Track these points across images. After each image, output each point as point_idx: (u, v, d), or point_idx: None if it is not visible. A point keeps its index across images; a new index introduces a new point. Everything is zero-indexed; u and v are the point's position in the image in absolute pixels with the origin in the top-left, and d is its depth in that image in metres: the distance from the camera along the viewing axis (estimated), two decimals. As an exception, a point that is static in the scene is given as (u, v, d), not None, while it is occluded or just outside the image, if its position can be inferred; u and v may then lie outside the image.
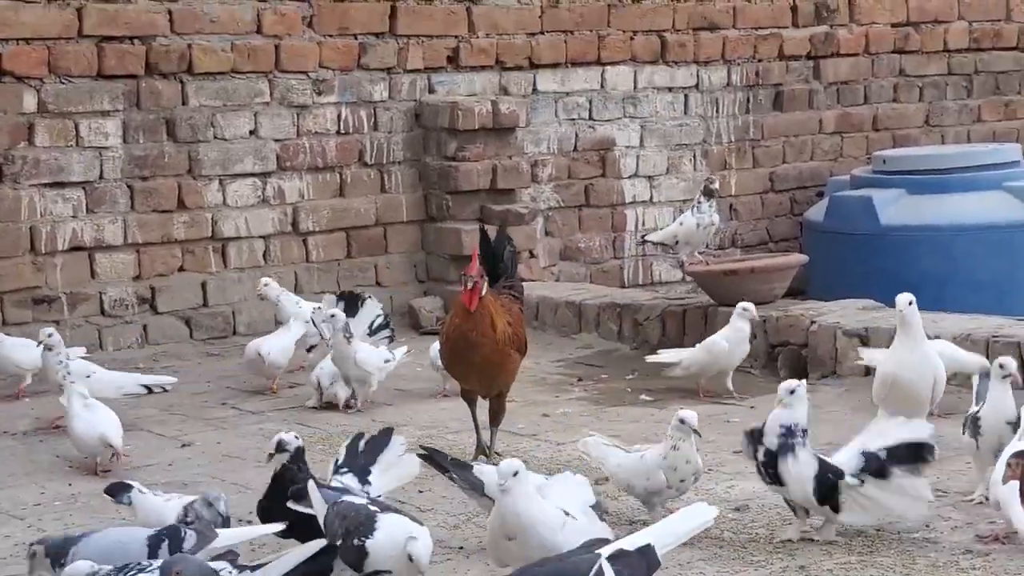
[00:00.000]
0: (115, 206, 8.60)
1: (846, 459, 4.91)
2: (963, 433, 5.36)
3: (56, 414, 6.74)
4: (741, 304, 7.33)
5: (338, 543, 4.22)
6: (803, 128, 11.37)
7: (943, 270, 9.46)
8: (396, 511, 4.39)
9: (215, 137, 8.88)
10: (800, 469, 4.84)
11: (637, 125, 10.61)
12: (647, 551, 3.86)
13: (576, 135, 10.35)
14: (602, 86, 10.43)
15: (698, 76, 10.84)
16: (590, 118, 10.41)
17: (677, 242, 8.50)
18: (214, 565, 4.02)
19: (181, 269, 8.85)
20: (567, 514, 4.28)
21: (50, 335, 6.87)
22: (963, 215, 9.90)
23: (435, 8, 9.67)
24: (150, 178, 8.71)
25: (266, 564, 4.18)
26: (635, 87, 10.57)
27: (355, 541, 4.18)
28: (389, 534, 4.18)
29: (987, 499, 5.03)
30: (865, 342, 7.34)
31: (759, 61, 11.11)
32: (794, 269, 8.38)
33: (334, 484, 4.68)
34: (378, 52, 9.48)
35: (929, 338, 6.19)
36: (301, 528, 4.54)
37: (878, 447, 4.91)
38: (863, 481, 4.84)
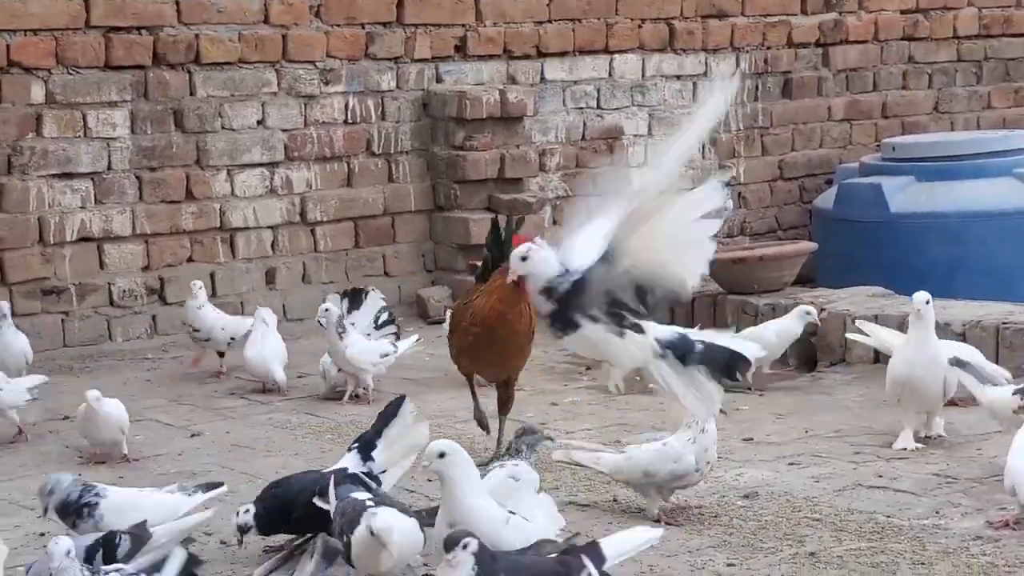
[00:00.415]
0: (123, 197, 8.60)
1: (665, 332, 4.79)
2: None
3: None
4: (803, 307, 7.16)
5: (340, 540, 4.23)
6: (812, 115, 11.34)
7: (953, 257, 9.42)
8: (393, 504, 4.36)
9: (223, 127, 8.87)
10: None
11: (645, 114, 10.59)
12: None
13: (584, 124, 10.33)
14: (610, 74, 10.40)
15: (707, 64, 10.81)
16: (598, 107, 10.38)
17: None
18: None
19: (190, 260, 8.84)
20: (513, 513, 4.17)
21: None
22: (973, 202, 9.85)
23: (442, -3, 9.66)
24: (158, 169, 8.70)
25: None
26: (643, 75, 10.54)
27: (344, 537, 4.18)
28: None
29: None
30: (875, 330, 7.32)
31: (768, 49, 11.07)
32: (803, 257, 8.36)
33: (336, 467, 4.68)
34: (385, 41, 9.47)
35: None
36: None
37: (700, 338, 4.82)
38: (664, 356, 4.76)
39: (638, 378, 4.98)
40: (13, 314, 7.46)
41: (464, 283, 9.39)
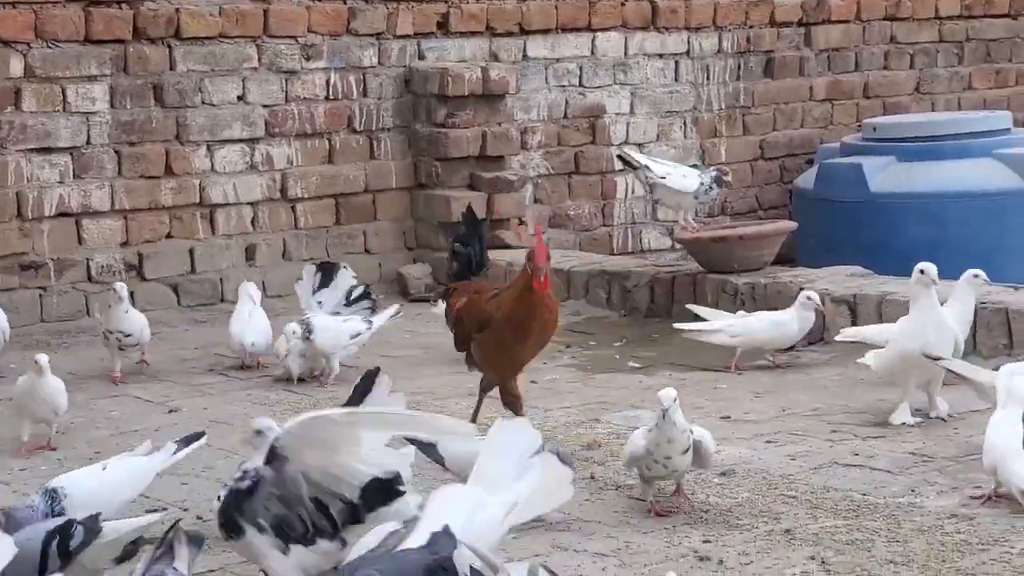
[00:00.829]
0: (102, 172, 8.57)
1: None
2: None
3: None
4: (806, 293, 7.07)
5: None
6: (794, 95, 11.34)
7: (932, 237, 9.43)
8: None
9: (203, 103, 8.84)
10: None
11: (627, 92, 10.58)
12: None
13: (566, 102, 10.32)
14: (592, 52, 10.39)
15: (689, 43, 10.80)
16: (580, 85, 10.37)
17: (664, 179, 8.26)
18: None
19: (169, 235, 8.82)
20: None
21: None
22: (953, 182, 9.88)
23: (424, -27, 9.63)
24: (137, 144, 8.67)
25: None
26: (625, 54, 10.54)
27: None
28: None
29: None
30: (853, 309, 7.34)
31: (750, 27, 11.07)
32: (783, 236, 8.37)
33: None
34: (367, 17, 9.44)
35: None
36: None
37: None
38: None
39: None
40: (-9, 289, 7.45)
41: (444, 261, 9.37)
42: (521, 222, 9.74)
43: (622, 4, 10.47)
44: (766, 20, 11.13)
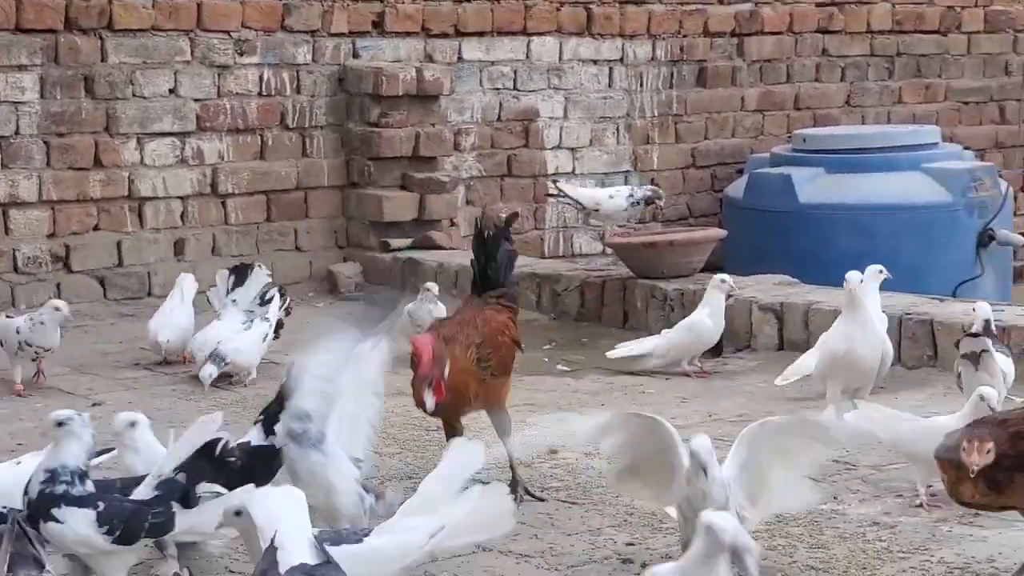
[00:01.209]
0: (30, 162, 8.48)
1: None
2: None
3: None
4: (719, 276, 7.13)
5: None
6: (725, 105, 11.42)
7: (860, 248, 9.51)
8: None
9: (134, 95, 8.77)
10: None
11: (561, 97, 10.61)
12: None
13: (500, 105, 10.33)
14: (527, 56, 10.41)
15: (623, 50, 10.85)
16: (515, 88, 10.39)
17: (597, 210, 8.56)
18: None
19: (96, 228, 8.74)
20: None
21: None
22: (881, 195, 9.99)
23: (361, -28, 9.61)
24: (67, 135, 8.59)
25: None
26: (560, 58, 10.56)
27: None
28: None
29: None
30: (780, 317, 7.41)
31: (684, 36, 11.13)
32: (713, 243, 8.43)
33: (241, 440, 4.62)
34: (302, 14, 9.40)
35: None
36: None
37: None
38: None
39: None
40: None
41: (375, 260, 9.38)
42: (452, 223, 9.73)
43: (558, 9, 10.49)
44: (700, 30, 11.20)
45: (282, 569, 3.29)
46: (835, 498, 5.08)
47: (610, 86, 10.84)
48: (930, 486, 4.89)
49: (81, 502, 3.89)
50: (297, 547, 3.37)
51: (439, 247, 9.43)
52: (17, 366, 6.78)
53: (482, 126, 10.24)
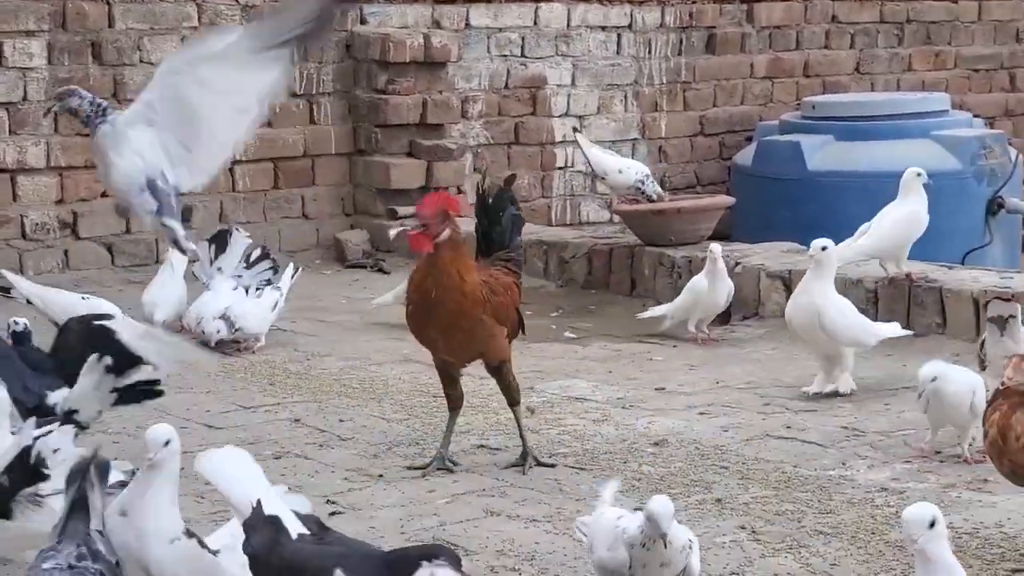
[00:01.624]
0: (38, 128, 8.45)
1: None
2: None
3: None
4: (712, 246, 7.06)
5: None
6: (734, 72, 11.36)
7: (868, 216, 9.37)
8: None
9: (141, 61, 8.74)
10: None
11: (569, 64, 10.56)
12: None
13: (508, 72, 10.29)
14: (535, 23, 10.36)
15: (632, 16, 10.79)
16: (522, 55, 10.34)
17: (604, 178, 8.53)
18: None
19: (104, 195, 8.68)
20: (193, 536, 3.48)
21: None
22: (890, 162, 9.89)
23: (369, -63, 9.56)
24: (74, 101, 8.55)
25: None
26: (568, 25, 10.51)
27: None
28: None
29: None
30: (787, 284, 7.38)
31: (693, 3, 11.07)
32: (721, 211, 8.41)
33: None
34: (310, -20, 9.35)
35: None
36: None
37: None
38: None
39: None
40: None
41: (383, 228, 9.37)
42: (460, 191, 9.71)
43: (566, -25, 10.44)
44: (709, -4, 11.14)
45: (296, 539, 3.24)
46: (843, 464, 5.08)
47: (618, 53, 10.79)
48: (972, 442, 4.90)
49: None
50: (285, 513, 3.33)
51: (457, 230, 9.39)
52: None
53: (489, 93, 10.20)
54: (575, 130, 9.87)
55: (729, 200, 8.62)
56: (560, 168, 10.53)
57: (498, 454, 5.27)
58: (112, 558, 3.46)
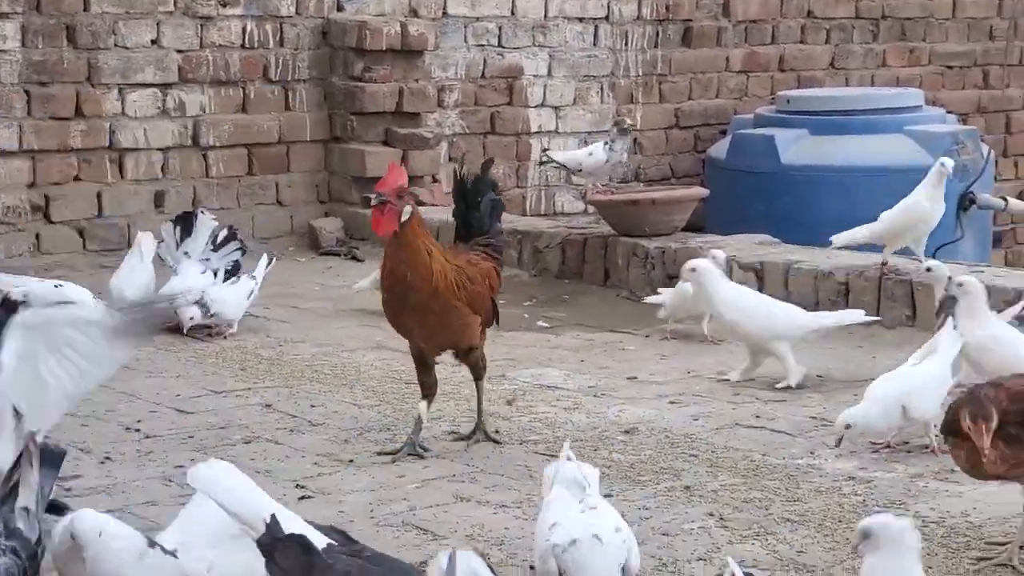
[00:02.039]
0: (11, 111, 8.42)
1: None
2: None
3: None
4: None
5: None
6: (710, 65, 11.39)
7: (841, 210, 9.50)
8: None
9: (116, 45, 8.71)
10: None
11: (546, 54, 10.57)
12: None
13: (484, 61, 10.29)
14: (512, 13, 10.36)
15: (609, 8, 10.81)
16: (499, 45, 10.34)
17: (580, 170, 8.58)
18: None
19: (77, 178, 8.70)
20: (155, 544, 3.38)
21: None
22: (864, 157, 10.00)
23: (346, -75, 9.55)
24: (48, 84, 8.53)
25: None
26: (545, 15, 10.52)
27: None
28: None
29: None
30: (760, 276, 7.41)
31: (670, -4, 11.09)
32: (695, 202, 8.43)
33: None
34: (286, -34, 9.34)
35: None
36: None
37: None
38: None
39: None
40: None
41: (357, 216, 9.37)
42: (435, 180, 9.71)
43: (544, -34, 10.45)
44: (686, -11, 11.16)
45: (326, 555, 3.09)
46: (812, 453, 5.10)
47: (595, 44, 10.80)
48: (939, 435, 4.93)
49: None
50: (302, 526, 3.21)
51: (421, 203, 9.37)
52: None
53: (466, 83, 10.20)
54: (544, 151, 9.88)
55: (703, 192, 8.64)
56: (544, 164, 10.51)
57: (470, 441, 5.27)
58: (32, 536, 3.43)
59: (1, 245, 8.39)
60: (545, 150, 9.97)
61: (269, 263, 7.33)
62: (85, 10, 8.58)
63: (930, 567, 4.03)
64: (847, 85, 11.94)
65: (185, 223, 7.23)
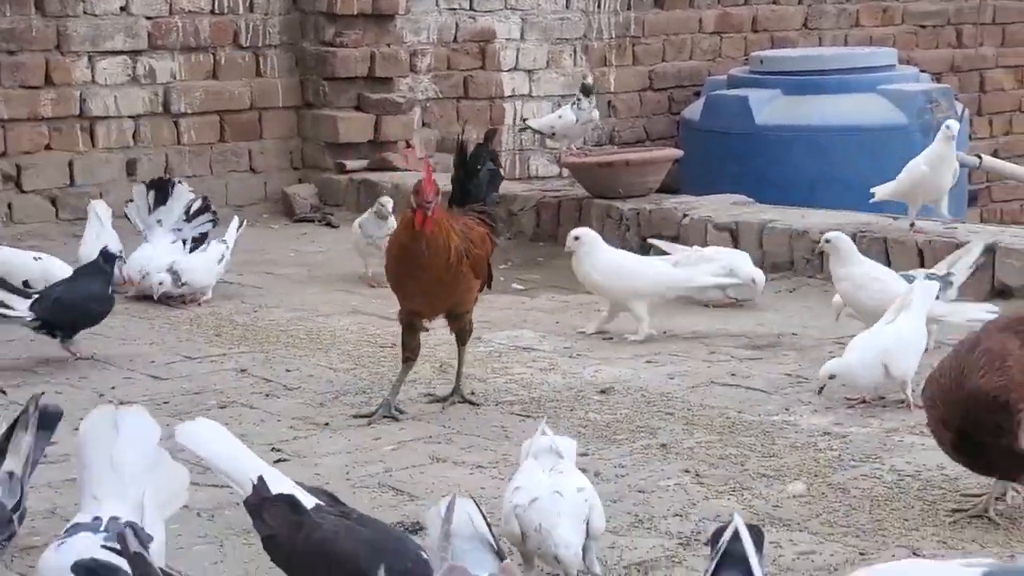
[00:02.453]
0: (-20, 80, 8.37)
1: None
2: None
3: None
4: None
5: None
6: (683, 27, 11.35)
7: (816, 169, 9.55)
8: None
9: (85, 12, 8.64)
10: None
11: (518, 18, 10.52)
12: None
13: (456, 25, 10.24)
14: (483, -25, 10.31)
15: (580, -30, 10.76)
16: (471, 8, 10.29)
17: (554, 134, 8.56)
18: None
19: (47, 147, 8.64)
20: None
21: None
22: (837, 116, 9.99)
23: None
24: (17, 52, 8.47)
25: None
26: (517, -22, 10.47)
27: None
28: None
29: None
30: (735, 236, 7.41)
31: (642, -43, 11.05)
32: (668, 163, 8.42)
33: None
34: (256, -70, 9.28)
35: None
36: None
37: None
38: None
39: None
40: None
41: (331, 182, 9.34)
42: (409, 145, 9.68)
43: (515, -73, 10.39)
44: (658, -50, 11.12)
45: (315, 515, 3.12)
46: (787, 409, 5.11)
47: (567, 7, 10.75)
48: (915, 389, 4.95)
49: None
50: (289, 486, 3.23)
51: (395, 168, 9.38)
52: None
53: (438, 47, 10.15)
54: (524, 120, 9.86)
55: (677, 153, 8.63)
56: (509, 123, 10.49)
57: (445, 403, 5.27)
58: (9, 502, 3.44)
59: (-28, 215, 8.35)
60: (525, 119, 9.93)
61: (240, 226, 7.29)
62: (53, -23, 8.52)
63: (906, 520, 4.05)
64: (820, 45, 11.91)
65: (160, 190, 7.17)
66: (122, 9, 8.78)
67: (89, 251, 6.98)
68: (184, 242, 7.02)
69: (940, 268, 6.00)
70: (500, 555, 2.99)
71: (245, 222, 7.52)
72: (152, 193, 7.14)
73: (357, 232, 7.26)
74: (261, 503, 3.14)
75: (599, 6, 10.88)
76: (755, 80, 10.43)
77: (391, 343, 6.05)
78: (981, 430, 3.87)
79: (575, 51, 10.85)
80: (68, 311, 5.79)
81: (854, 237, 7.00)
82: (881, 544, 3.87)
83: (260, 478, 3.17)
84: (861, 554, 3.80)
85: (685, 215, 7.68)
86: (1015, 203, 12.54)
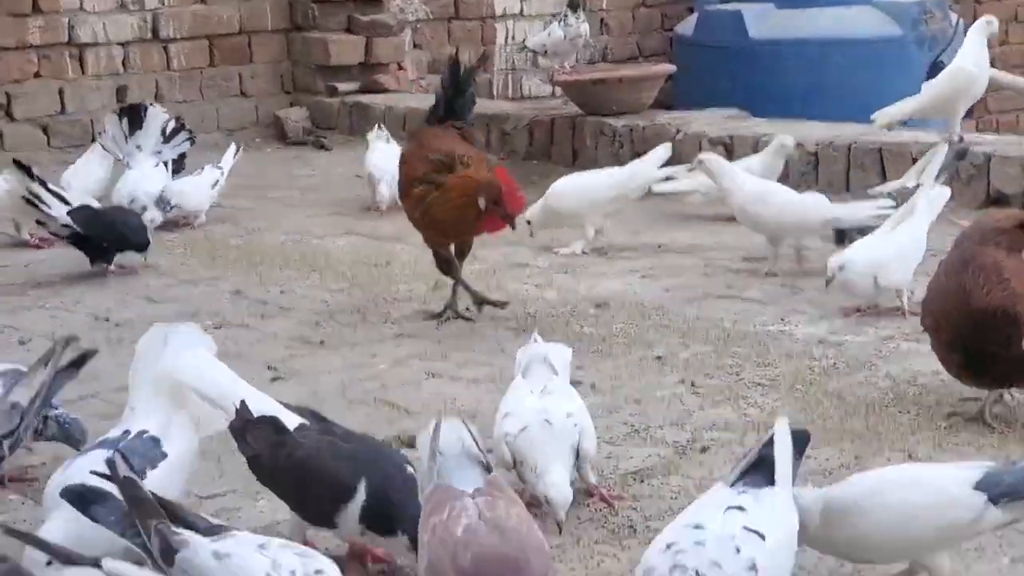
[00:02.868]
0: (-34, 9, 8.30)
1: None
2: None
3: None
4: (779, 138, 6.79)
5: None
6: (675, -59, 11.24)
7: (810, 82, 9.46)
8: None
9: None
10: None
11: (509, -65, 10.41)
12: None
13: (446, -56, 10.13)
14: None
15: None
16: (463, -75, 10.18)
17: (546, 52, 8.50)
18: None
19: (37, 75, 8.58)
20: None
21: None
22: (831, 29, 9.89)
23: None
24: (3, -20, 8.40)
25: None
26: None
27: None
28: None
29: None
30: (729, 149, 7.38)
31: None
32: (662, 79, 8.37)
33: None
34: None
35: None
36: None
37: None
38: None
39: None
40: None
41: (323, 105, 9.29)
42: (400, 67, 9.61)
43: None
44: None
45: (297, 435, 3.16)
46: (782, 319, 5.11)
47: (561, -73, 10.61)
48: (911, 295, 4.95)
49: None
50: (273, 406, 3.27)
51: (386, 90, 9.33)
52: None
53: (428, -33, 10.05)
54: (523, 42, 9.74)
55: (670, 68, 8.58)
56: (501, 43, 10.41)
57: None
58: (2, 430, 3.52)
59: (-37, 145, 8.31)
60: (523, 40, 9.82)
61: (236, 152, 7.26)
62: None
63: (901, 425, 4.06)
64: (814, -42, 11.77)
65: (133, 116, 7.08)
66: (108, -67, 8.70)
67: (69, 176, 6.94)
68: (166, 164, 6.97)
69: (909, 177, 5.94)
70: (488, 470, 3.01)
71: (242, 147, 7.49)
72: (125, 120, 7.05)
73: (372, 161, 7.14)
74: (244, 426, 3.19)
75: (590, -78, 10.75)
76: (748, -6, 10.32)
77: (384, 262, 6.06)
78: (992, 344, 3.92)
79: (568, -31, 10.71)
80: (102, 227, 5.88)
81: (849, 149, 7.00)
82: (877, 449, 3.88)
83: (243, 402, 3.22)
84: (856, 458, 3.81)
85: (679, 130, 7.64)
86: (1012, 114, 12.47)
